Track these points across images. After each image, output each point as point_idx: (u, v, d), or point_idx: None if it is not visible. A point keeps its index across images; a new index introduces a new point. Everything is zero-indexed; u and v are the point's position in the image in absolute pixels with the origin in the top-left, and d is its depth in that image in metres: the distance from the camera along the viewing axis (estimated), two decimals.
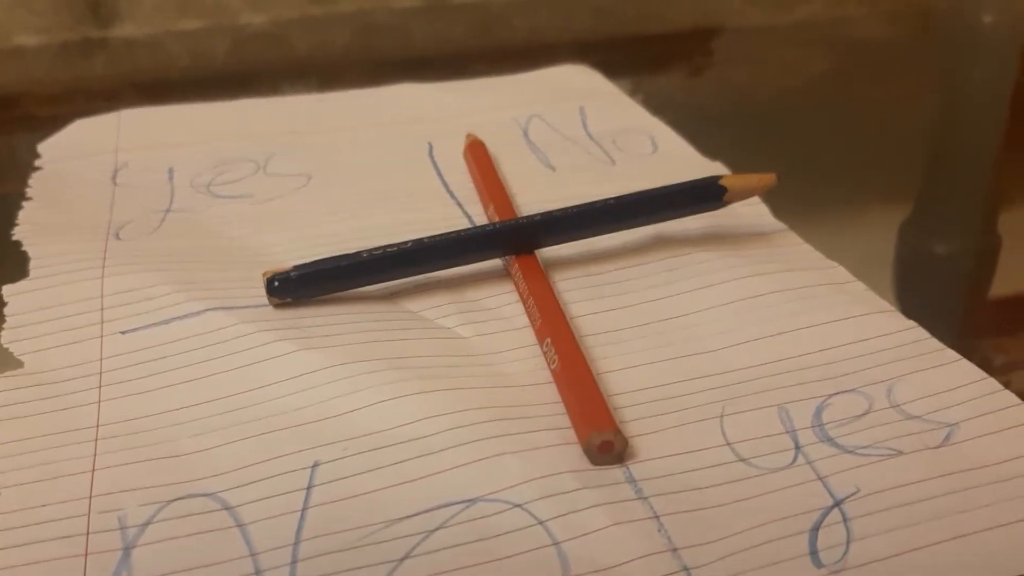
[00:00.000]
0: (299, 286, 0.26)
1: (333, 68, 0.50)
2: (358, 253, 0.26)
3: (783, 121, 0.42)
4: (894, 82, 0.46)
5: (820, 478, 0.21)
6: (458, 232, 0.28)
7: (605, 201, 0.28)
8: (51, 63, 0.51)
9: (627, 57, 0.48)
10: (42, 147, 0.36)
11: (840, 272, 0.28)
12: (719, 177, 0.28)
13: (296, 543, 0.19)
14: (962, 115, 0.44)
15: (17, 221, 0.31)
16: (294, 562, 0.19)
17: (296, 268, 0.26)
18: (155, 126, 0.38)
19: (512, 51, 0.52)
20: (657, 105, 0.39)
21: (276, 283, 0.26)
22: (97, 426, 0.22)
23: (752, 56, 0.51)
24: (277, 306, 0.26)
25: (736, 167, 0.33)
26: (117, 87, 0.47)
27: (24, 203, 0.32)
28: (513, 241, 0.27)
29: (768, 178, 0.29)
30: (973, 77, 0.48)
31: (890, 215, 0.34)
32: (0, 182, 0.38)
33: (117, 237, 0.30)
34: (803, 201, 0.30)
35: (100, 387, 0.24)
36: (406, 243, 0.27)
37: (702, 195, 0.28)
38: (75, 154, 0.36)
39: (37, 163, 0.35)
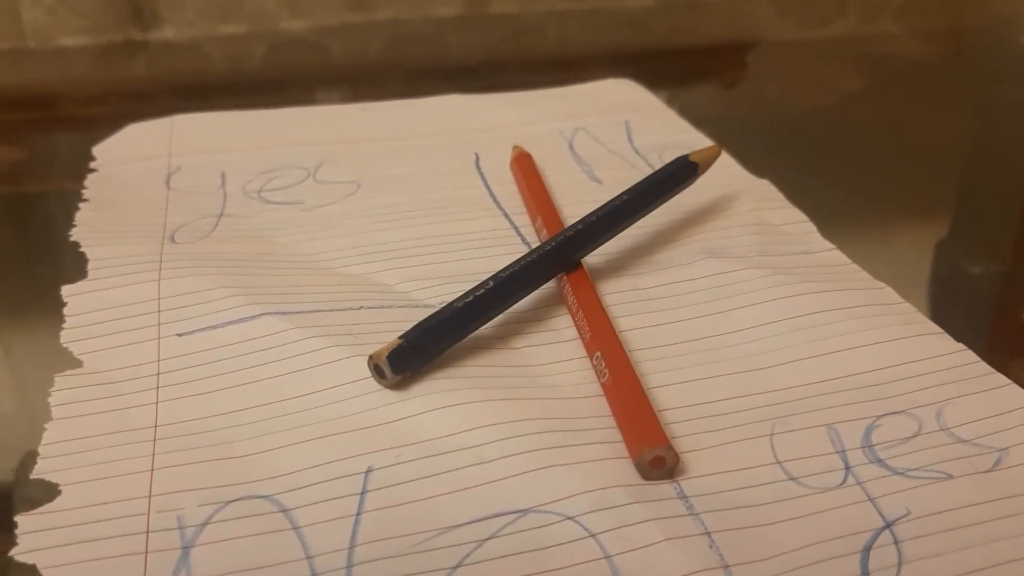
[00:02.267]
0: (413, 357, 0.24)
1: (368, 75, 0.50)
2: (450, 305, 0.25)
3: (817, 138, 0.42)
4: (928, 101, 0.46)
5: (870, 499, 0.21)
6: (525, 260, 0.27)
7: (620, 196, 0.29)
8: (93, 64, 0.52)
9: (660, 69, 0.48)
10: (96, 150, 0.37)
11: (888, 293, 0.28)
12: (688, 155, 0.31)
13: (351, 547, 0.20)
14: (998, 135, 0.44)
15: (74, 222, 0.31)
16: (349, 566, 0.19)
17: (403, 337, 0.24)
18: (207, 132, 0.39)
19: (545, 61, 0.52)
20: (690, 118, 0.40)
21: (392, 360, 0.24)
22: (155, 426, 0.23)
23: (786, 71, 0.51)
24: (394, 386, 0.24)
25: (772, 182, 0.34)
26: (156, 90, 0.48)
27: (80, 204, 0.33)
28: (567, 257, 0.28)
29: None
30: (1009, 98, 0.48)
31: (925, 234, 0.34)
32: (44, 180, 0.39)
33: (172, 240, 0.30)
34: (837, 219, 0.30)
35: (158, 388, 0.24)
36: (487, 283, 0.26)
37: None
38: (129, 157, 0.36)
39: (92, 165, 0.36)
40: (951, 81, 0.50)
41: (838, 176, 0.37)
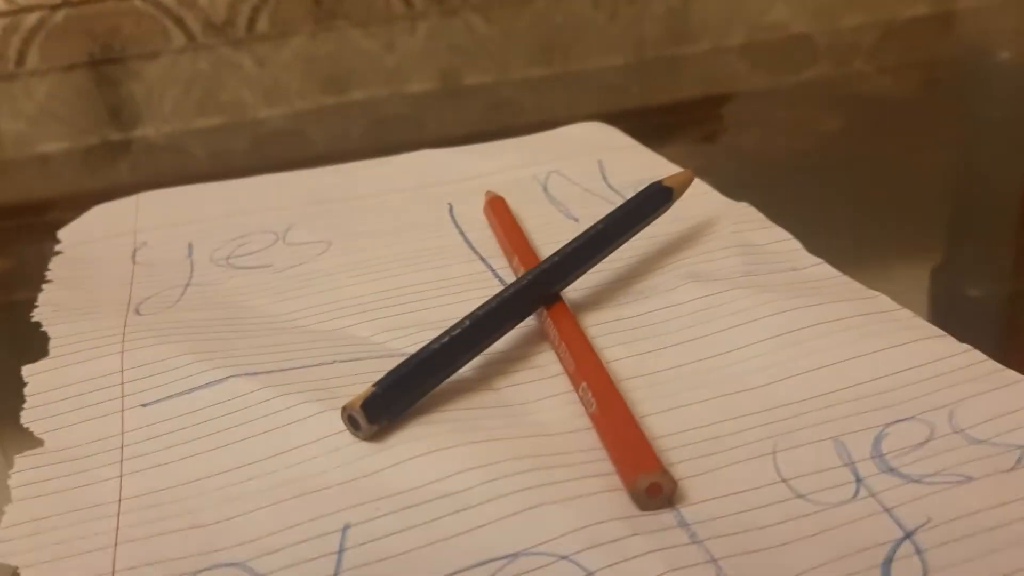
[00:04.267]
0: (389, 405, 0.23)
1: (353, 159, 0.49)
2: (426, 347, 0.24)
3: (801, 181, 0.41)
4: (908, 135, 0.46)
5: (886, 510, 0.19)
6: (502, 296, 0.26)
7: (595, 226, 0.28)
8: (76, 169, 0.51)
9: (638, 127, 0.48)
10: (62, 233, 0.36)
11: (884, 301, 0.26)
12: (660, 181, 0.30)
13: None
14: (985, 156, 0.43)
15: (37, 303, 0.30)
16: None
17: (377, 384, 0.23)
18: (173, 206, 0.38)
19: (524, 130, 0.52)
20: None
21: (366, 409, 0.22)
22: (119, 500, 0.21)
23: (763, 119, 0.50)
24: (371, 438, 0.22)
25: None
26: (141, 189, 0.47)
27: (44, 286, 0.31)
28: (545, 290, 0.26)
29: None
30: (993, 117, 0.47)
31: (919, 265, 0.33)
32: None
33: (137, 312, 0.29)
34: (830, 258, 0.29)
35: (122, 461, 0.23)
36: (464, 322, 0.24)
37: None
38: (94, 237, 0.36)
39: (57, 248, 0.35)
40: (926, 113, 0.49)
41: (825, 217, 0.36)
